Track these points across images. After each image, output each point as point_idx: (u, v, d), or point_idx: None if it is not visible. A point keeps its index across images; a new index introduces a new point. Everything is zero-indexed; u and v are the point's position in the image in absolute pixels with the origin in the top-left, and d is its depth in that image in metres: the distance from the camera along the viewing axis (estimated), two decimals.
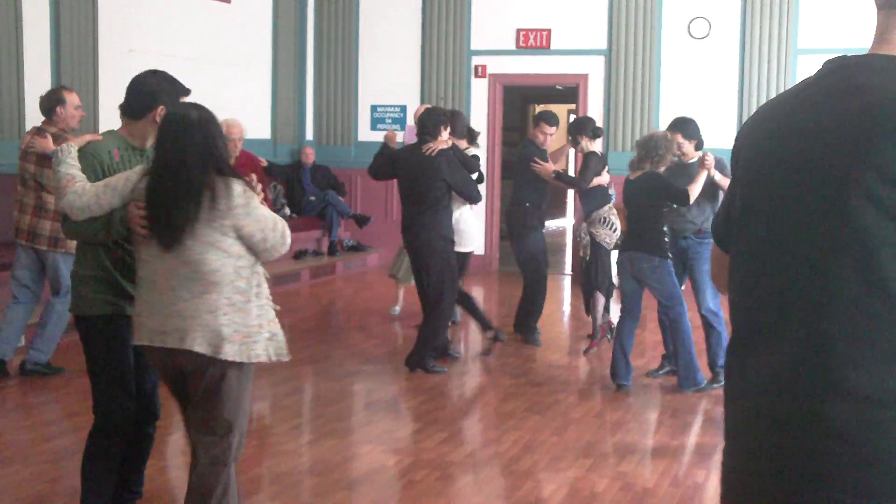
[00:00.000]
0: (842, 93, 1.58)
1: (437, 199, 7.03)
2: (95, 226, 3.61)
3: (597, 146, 8.16)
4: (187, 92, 3.92)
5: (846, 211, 1.49)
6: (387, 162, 7.32)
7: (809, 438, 1.51)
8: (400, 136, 10.40)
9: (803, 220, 1.56)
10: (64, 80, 9.08)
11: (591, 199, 7.98)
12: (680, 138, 6.69)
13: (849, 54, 1.73)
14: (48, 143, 6.13)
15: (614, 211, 8.02)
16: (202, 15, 11.25)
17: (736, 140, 1.81)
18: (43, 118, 6.54)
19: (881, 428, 1.45)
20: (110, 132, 3.89)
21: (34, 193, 6.35)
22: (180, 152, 3.41)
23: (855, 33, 11.32)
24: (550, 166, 8.12)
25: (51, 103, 6.48)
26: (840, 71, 1.65)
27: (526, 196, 8.15)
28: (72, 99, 6.50)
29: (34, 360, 6.48)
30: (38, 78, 9.01)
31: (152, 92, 3.82)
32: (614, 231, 7.90)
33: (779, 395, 1.56)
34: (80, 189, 3.56)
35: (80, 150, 3.70)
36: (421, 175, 7.02)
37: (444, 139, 7.16)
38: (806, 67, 11.32)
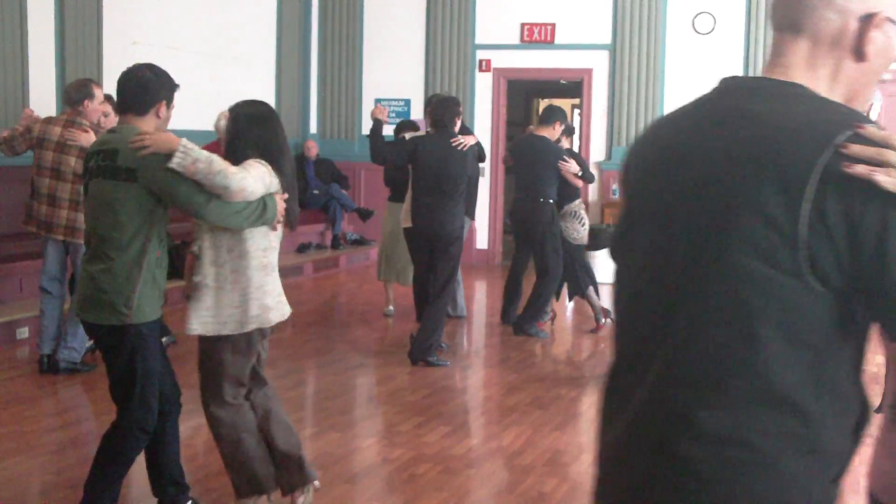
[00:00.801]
0: (730, 120, 1.50)
1: (461, 189, 7.24)
2: (251, 209, 3.70)
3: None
4: (177, 86, 3.91)
5: (720, 247, 1.42)
6: (404, 150, 7.28)
7: (667, 477, 1.47)
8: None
9: (678, 253, 1.49)
10: (68, 74, 9.08)
11: (563, 195, 8.07)
12: None
13: (744, 75, 1.66)
14: (91, 138, 6.08)
15: (583, 206, 8.30)
16: (206, 8, 11.25)
17: (625, 157, 1.72)
18: (68, 108, 6.52)
19: (737, 469, 1.42)
20: (129, 128, 3.75)
21: (70, 187, 6.31)
22: (283, 143, 3.95)
23: None
24: (575, 165, 8.18)
25: (81, 95, 6.46)
26: (732, 94, 1.56)
27: (550, 192, 8.12)
28: (99, 94, 6.51)
29: (69, 360, 6.47)
30: (42, 71, 9.01)
31: (155, 87, 3.80)
32: (583, 226, 8.16)
33: (639, 430, 1.52)
34: (242, 172, 3.65)
35: None
36: (449, 166, 7.12)
37: (464, 133, 7.36)
38: None
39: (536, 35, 12.42)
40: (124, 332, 3.69)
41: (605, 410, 1.64)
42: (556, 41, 12.38)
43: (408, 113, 12.75)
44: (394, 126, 8.99)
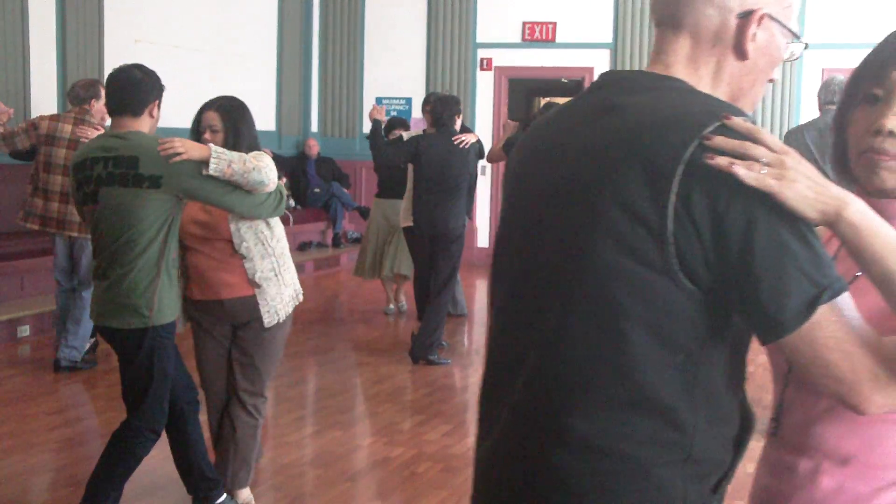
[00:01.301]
0: (599, 112, 1.43)
1: (463, 188, 7.30)
2: (273, 198, 3.85)
3: None
4: (164, 87, 3.93)
5: (587, 245, 1.33)
6: (406, 149, 7.29)
7: (538, 488, 1.40)
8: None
9: (547, 252, 1.41)
10: (70, 72, 9.09)
11: None
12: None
13: (622, 69, 1.59)
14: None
15: None
16: (208, 6, 11.25)
17: (511, 155, 1.64)
18: (74, 106, 6.52)
19: (609, 478, 1.35)
20: (137, 133, 3.74)
21: (62, 179, 6.32)
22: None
23: (860, 27, 11.30)
24: None
25: (89, 94, 6.49)
26: (606, 87, 1.49)
27: None
28: (104, 96, 6.52)
29: (69, 358, 6.49)
30: (43, 69, 9.01)
31: (148, 87, 3.78)
32: None
33: (510, 440, 1.45)
34: (263, 164, 3.75)
35: None
36: (451, 165, 7.16)
37: (464, 132, 7.41)
38: (811, 62, 11.31)
39: (538, 34, 12.42)
40: (144, 335, 3.70)
41: (480, 420, 1.57)
42: (558, 40, 12.37)
43: (409, 111, 12.75)
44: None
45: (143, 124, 3.77)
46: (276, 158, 11.83)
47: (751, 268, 1.25)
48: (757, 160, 1.26)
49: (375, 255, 8.76)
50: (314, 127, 13.49)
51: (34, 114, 8.76)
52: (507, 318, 1.51)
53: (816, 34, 11.53)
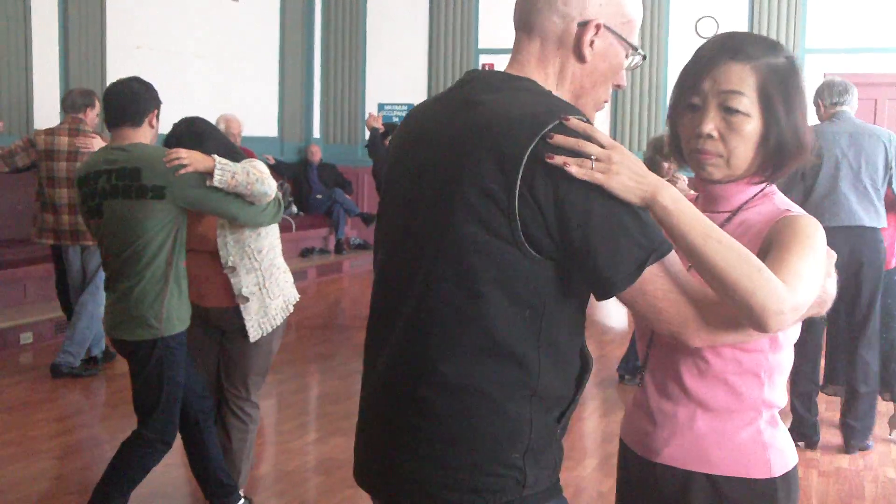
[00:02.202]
0: (461, 106, 1.66)
1: None
2: (272, 205, 3.88)
3: None
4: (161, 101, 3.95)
5: (449, 219, 1.59)
6: None
7: (404, 417, 1.66)
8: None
9: (415, 226, 1.67)
10: (72, 78, 9.11)
11: None
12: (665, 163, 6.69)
13: (481, 69, 1.80)
14: (99, 142, 6.18)
15: None
16: (210, 12, 11.27)
17: (391, 138, 1.93)
18: (69, 114, 6.55)
19: (470, 411, 1.61)
20: (139, 145, 3.75)
21: (67, 191, 6.36)
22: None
23: (862, 32, 11.31)
24: None
25: (85, 102, 6.53)
26: (468, 84, 1.72)
27: None
28: (99, 106, 6.55)
29: (67, 364, 6.50)
30: (46, 75, 9.03)
31: (146, 98, 3.78)
32: None
33: (387, 382, 1.73)
34: (264, 174, 3.78)
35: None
36: None
37: None
38: (814, 66, 11.30)
39: None
40: (154, 346, 3.70)
41: (364, 363, 1.85)
42: None
43: None
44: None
45: (143, 135, 3.78)
46: (279, 165, 11.91)
47: (589, 241, 1.53)
48: (588, 157, 1.53)
49: None
50: (316, 133, 13.50)
51: (37, 120, 8.79)
52: (385, 278, 1.77)
53: (816, 39, 11.55)
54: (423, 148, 1.69)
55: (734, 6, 11.81)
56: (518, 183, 1.53)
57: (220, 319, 4.05)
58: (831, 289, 1.81)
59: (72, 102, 6.56)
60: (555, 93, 1.71)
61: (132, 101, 3.76)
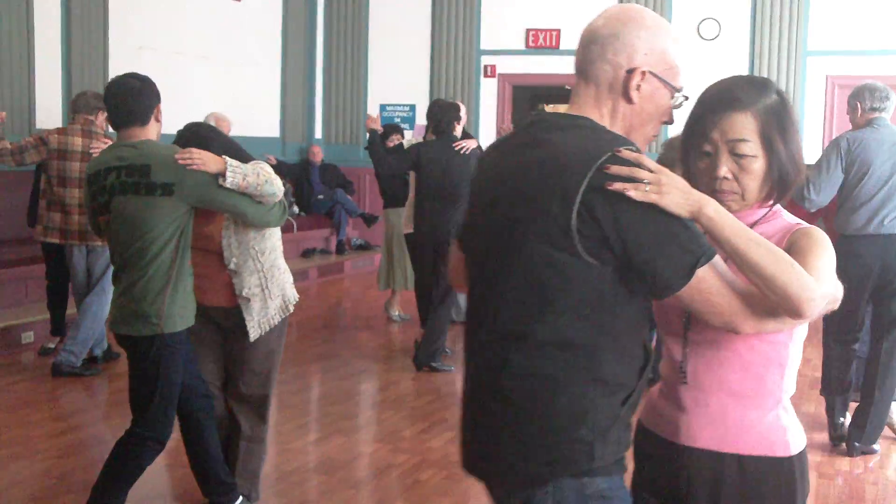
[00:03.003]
0: (529, 145, 2.00)
1: (464, 194, 7.23)
2: (279, 205, 3.92)
3: None
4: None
5: (523, 238, 1.92)
6: (407, 158, 7.30)
7: (488, 405, 2.01)
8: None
9: (496, 245, 2.00)
10: (74, 79, 9.12)
11: None
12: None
13: (548, 112, 2.12)
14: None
15: None
16: (212, 13, 11.28)
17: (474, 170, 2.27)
18: (81, 115, 6.56)
19: (539, 392, 1.93)
20: (148, 142, 3.77)
21: (79, 192, 6.38)
22: None
23: (863, 35, 11.30)
24: None
25: (98, 105, 6.55)
26: (534, 125, 2.06)
27: None
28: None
29: (68, 363, 6.51)
30: (48, 75, 9.04)
31: (148, 93, 3.79)
32: None
33: (477, 376, 2.06)
34: (272, 174, 3.81)
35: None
36: (452, 171, 7.15)
37: (466, 138, 7.41)
38: (815, 69, 11.31)
39: (542, 41, 12.43)
40: (153, 342, 3.71)
41: (465, 356, 2.15)
42: (562, 47, 12.38)
43: (413, 118, 12.78)
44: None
45: (150, 131, 3.80)
46: (280, 165, 11.91)
47: (648, 251, 1.84)
48: (641, 181, 1.83)
49: (389, 265, 8.80)
50: (318, 134, 13.50)
51: (39, 119, 8.79)
52: (476, 287, 2.12)
53: (820, 42, 11.55)
54: (499, 180, 2.03)
55: (736, 8, 11.81)
56: (577, 207, 1.84)
57: (220, 318, 4.06)
58: (840, 289, 2.10)
59: (85, 103, 6.57)
60: (608, 129, 2.01)
61: (135, 100, 3.76)
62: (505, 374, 1.96)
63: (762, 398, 2.13)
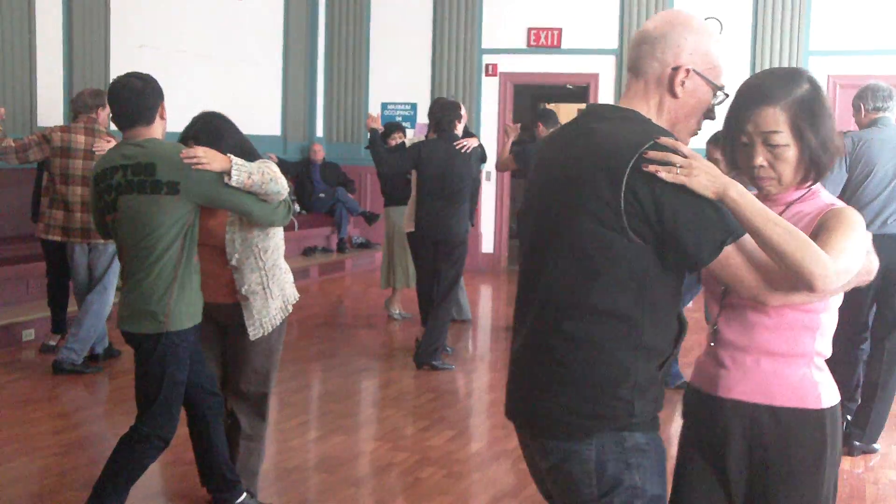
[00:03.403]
0: (580, 134, 2.26)
1: (466, 193, 7.30)
2: (283, 206, 3.93)
3: None
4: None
5: (573, 219, 2.17)
6: (409, 157, 7.29)
7: (540, 364, 2.26)
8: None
9: (549, 223, 2.25)
10: (76, 77, 9.11)
11: None
12: (719, 154, 6.72)
13: (598, 103, 2.44)
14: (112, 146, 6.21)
15: None
16: (214, 11, 11.27)
17: (534, 157, 2.51)
18: (82, 114, 6.57)
19: (587, 356, 2.18)
20: (153, 141, 3.78)
21: (81, 189, 6.40)
22: None
23: (866, 34, 11.29)
24: None
25: (96, 102, 6.58)
26: (586, 116, 2.34)
27: None
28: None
29: (69, 360, 6.52)
30: (49, 74, 9.04)
31: (151, 92, 3.78)
32: None
33: (529, 340, 2.29)
34: (277, 173, 3.82)
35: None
36: (453, 169, 7.16)
37: (467, 136, 7.41)
38: (817, 68, 11.29)
39: (543, 40, 12.42)
40: (158, 340, 3.73)
41: (513, 328, 2.40)
42: (563, 46, 12.38)
43: (414, 117, 12.77)
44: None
45: (156, 130, 3.81)
46: (282, 164, 11.90)
47: (680, 227, 2.10)
48: (674, 165, 2.08)
49: (390, 264, 8.82)
50: (319, 132, 13.50)
51: (41, 118, 8.79)
52: (527, 264, 2.37)
53: (821, 41, 11.54)
54: (554, 166, 2.29)
55: (738, 7, 11.79)
56: (623, 189, 2.09)
57: (220, 315, 4.06)
58: (874, 262, 2.35)
59: (83, 104, 6.59)
60: (654, 121, 2.25)
61: (139, 100, 3.77)
62: (555, 337, 2.21)
63: (793, 357, 2.35)
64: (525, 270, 2.38)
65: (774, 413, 2.33)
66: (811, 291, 2.12)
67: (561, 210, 2.20)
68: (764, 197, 2.39)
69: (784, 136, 2.30)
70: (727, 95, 2.33)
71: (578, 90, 13.50)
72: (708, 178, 2.09)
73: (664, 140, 2.12)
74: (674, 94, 2.26)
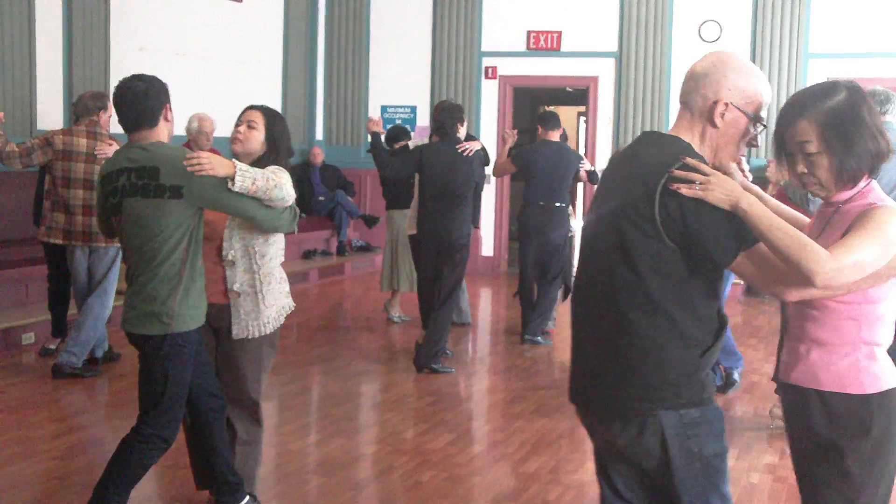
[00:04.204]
0: (629, 157, 2.70)
1: (468, 196, 7.27)
2: (289, 212, 3.93)
3: None
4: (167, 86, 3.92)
5: (619, 228, 2.55)
6: (411, 160, 7.29)
7: (602, 354, 2.64)
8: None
9: (600, 233, 2.65)
10: (76, 80, 9.12)
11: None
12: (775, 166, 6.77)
13: (650, 131, 2.88)
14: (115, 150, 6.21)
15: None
16: (214, 13, 11.27)
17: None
18: (84, 118, 6.57)
19: (642, 345, 2.56)
20: (158, 144, 3.79)
21: (83, 192, 6.40)
22: None
23: (865, 37, 11.30)
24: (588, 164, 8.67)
25: (98, 105, 6.57)
26: (636, 142, 2.76)
27: (566, 198, 8.31)
28: (111, 108, 6.58)
29: (69, 363, 6.51)
30: (49, 76, 9.04)
31: (154, 94, 3.78)
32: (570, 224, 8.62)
33: (587, 332, 2.71)
34: (283, 179, 3.81)
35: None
36: (456, 173, 7.15)
37: (469, 140, 7.42)
38: (816, 71, 11.30)
39: (543, 42, 12.43)
40: (163, 342, 3.74)
41: (572, 323, 2.82)
42: (563, 49, 12.39)
43: (414, 120, 12.77)
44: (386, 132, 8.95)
45: (161, 132, 3.82)
46: None
47: (702, 234, 2.48)
48: (693, 182, 2.47)
49: (393, 266, 8.82)
50: (319, 135, 13.50)
51: (41, 121, 8.79)
52: (583, 263, 2.76)
53: (821, 44, 11.55)
54: (608, 182, 2.73)
55: (738, 11, 11.80)
56: (657, 202, 2.48)
57: (213, 317, 4.04)
58: None
59: (84, 107, 6.59)
60: (697, 148, 2.61)
61: (142, 104, 3.77)
62: (613, 333, 2.60)
63: (840, 346, 2.66)
64: (584, 274, 2.75)
65: (822, 397, 2.67)
66: (813, 287, 2.45)
67: (613, 221, 2.58)
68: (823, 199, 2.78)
69: (814, 145, 2.60)
70: (765, 127, 2.65)
71: (578, 93, 13.51)
72: (723, 192, 2.45)
73: (689, 160, 2.50)
74: (714, 125, 2.61)
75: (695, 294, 2.56)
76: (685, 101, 2.67)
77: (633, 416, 2.61)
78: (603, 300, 2.62)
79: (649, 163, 2.55)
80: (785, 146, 2.68)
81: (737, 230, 2.48)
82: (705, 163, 2.54)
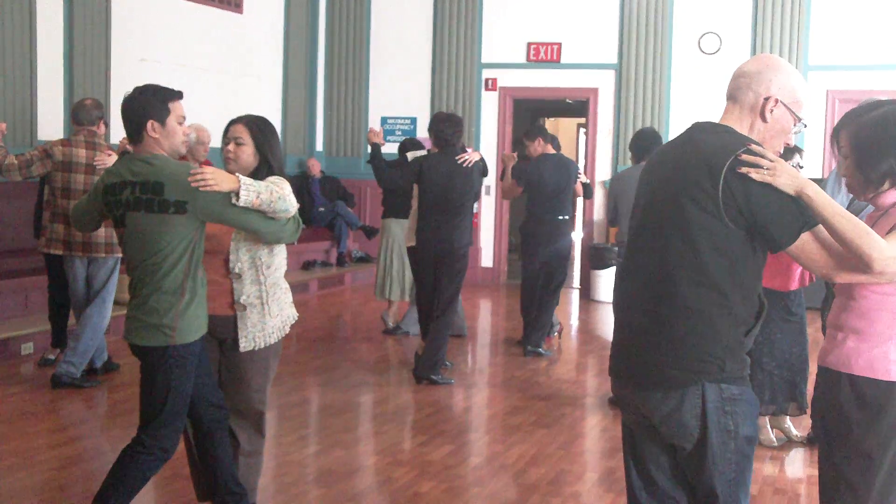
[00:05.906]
0: (687, 142, 2.86)
1: (468, 206, 7.29)
2: (292, 223, 3.94)
3: None
4: (177, 95, 3.88)
5: (680, 205, 2.73)
6: (410, 171, 7.30)
7: (647, 326, 2.81)
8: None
9: (657, 215, 2.82)
10: (76, 90, 9.13)
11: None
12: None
13: (702, 121, 2.91)
14: (114, 160, 6.20)
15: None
16: (214, 25, 11.31)
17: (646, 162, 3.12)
18: (84, 126, 6.58)
19: (690, 319, 2.72)
20: (162, 157, 3.79)
21: None
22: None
23: (865, 49, 11.33)
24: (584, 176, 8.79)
25: (98, 114, 6.59)
26: (691, 130, 2.90)
27: (570, 210, 8.40)
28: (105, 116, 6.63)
29: (68, 374, 6.51)
30: (50, 87, 9.06)
31: (139, 111, 3.77)
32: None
33: (637, 304, 2.86)
34: (285, 191, 3.82)
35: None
36: (455, 184, 7.16)
37: (471, 150, 7.47)
38: (816, 83, 11.32)
39: (542, 54, 12.46)
40: (165, 353, 3.74)
41: (616, 305, 3.05)
42: (563, 60, 12.42)
43: (414, 131, 12.79)
44: (399, 143, 8.96)
45: (150, 146, 3.78)
46: None
47: (766, 216, 2.66)
48: (761, 167, 2.65)
49: (386, 275, 8.83)
50: (319, 146, 13.52)
51: (41, 131, 8.81)
52: (636, 240, 2.92)
53: (820, 56, 11.57)
54: (664, 167, 2.88)
55: (737, 23, 11.83)
56: (721, 183, 2.65)
57: (217, 328, 4.04)
58: None
59: (87, 115, 6.60)
60: None
61: (127, 117, 3.79)
62: (663, 306, 2.75)
63: (873, 335, 2.91)
64: (634, 253, 2.91)
65: (853, 381, 2.91)
66: (870, 271, 2.66)
67: (672, 200, 2.75)
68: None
69: (846, 151, 2.99)
70: (806, 126, 2.88)
71: (578, 105, 13.53)
72: (789, 178, 2.64)
73: (755, 147, 2.69)
74: (764, 119, 2.83)
75: (744, 273, 2.72)
76: (734, 97, 2.86)
77: (675, 385, 2.74)
78: (655, 273, 2.78)
79: (714, 145, 2.72)
80: (837, 148, 3.06)
81: (799, 214, 2.65)
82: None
